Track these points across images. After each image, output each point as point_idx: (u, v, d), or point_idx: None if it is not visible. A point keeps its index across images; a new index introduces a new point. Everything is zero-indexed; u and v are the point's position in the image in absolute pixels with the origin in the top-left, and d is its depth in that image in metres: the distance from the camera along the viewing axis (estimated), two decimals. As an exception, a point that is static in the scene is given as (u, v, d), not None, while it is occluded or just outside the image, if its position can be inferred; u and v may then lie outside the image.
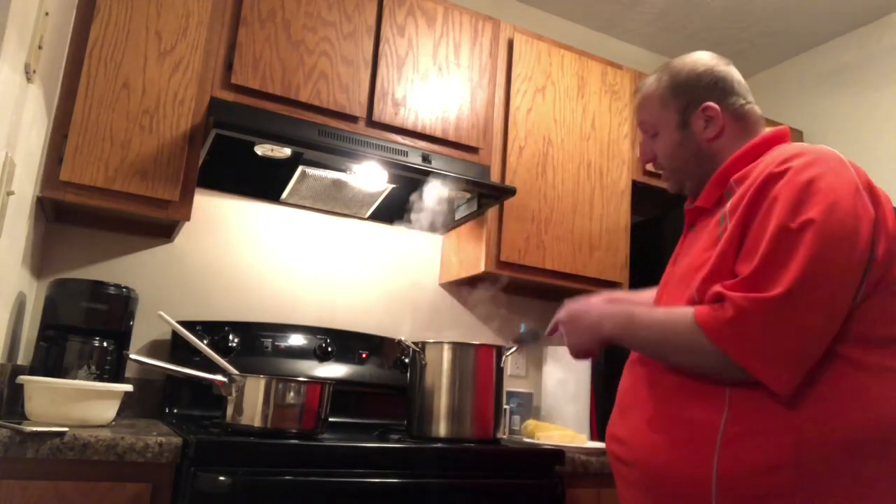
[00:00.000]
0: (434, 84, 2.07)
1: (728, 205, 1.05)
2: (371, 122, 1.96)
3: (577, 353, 1.24)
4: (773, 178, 0.99)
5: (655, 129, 1.23)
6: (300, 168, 1.86)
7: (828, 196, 0.94)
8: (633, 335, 1.10)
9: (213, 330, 1.87)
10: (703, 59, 1.22)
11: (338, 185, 1.97)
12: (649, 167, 1.29)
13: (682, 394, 1.03)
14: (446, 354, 1.66)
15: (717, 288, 0.96)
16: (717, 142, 1.17)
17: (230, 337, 1.87)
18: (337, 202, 2.12)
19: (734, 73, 1.21)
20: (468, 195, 2.04)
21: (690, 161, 1.19)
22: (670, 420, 1.03)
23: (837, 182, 0.96)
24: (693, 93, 1.18)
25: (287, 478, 1.30)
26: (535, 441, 1.85)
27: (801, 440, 0.91)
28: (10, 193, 1.28)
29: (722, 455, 0.95)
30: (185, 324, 1.74)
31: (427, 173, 1.86)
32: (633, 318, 1.09)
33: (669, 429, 1.02)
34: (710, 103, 1.17)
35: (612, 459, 1.16)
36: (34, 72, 1.35)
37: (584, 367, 2.15)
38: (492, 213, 2.12)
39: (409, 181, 1.93)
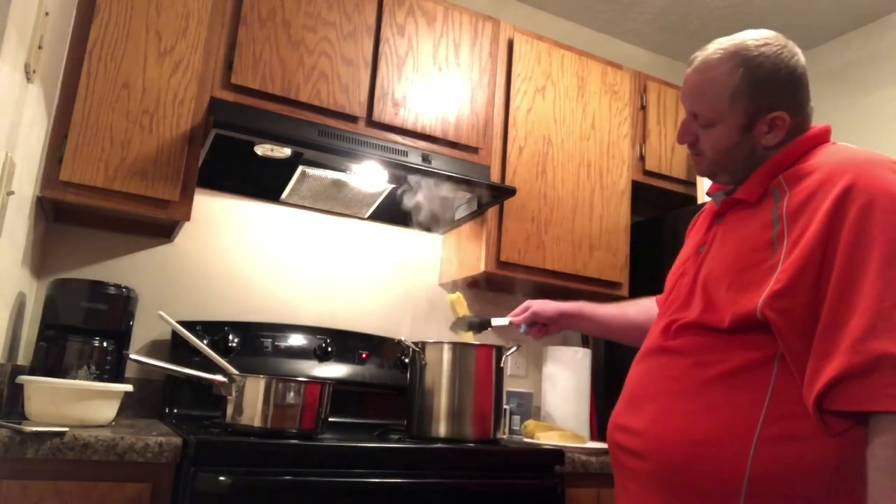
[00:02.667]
0: (434, 84, 2.07)
1: (784, 205, 0.99)
2: (371, 122, 1.96)
3: None
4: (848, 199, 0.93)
5: (711, 121, 1.12)
6: (300, 168, 1.86)
7: None
8: None
9: (213, 330, 1.87)
10: (785, 54, 1.09)
11: (338, 185, 1.97)
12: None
13: (716, 389, 1.00)
14: (446, 354, 1.66)
15: (889, 348, 0.85)
16: (774, 150, 1.09)
17: (230, 337, 1.87)
18: (337, 202, 2.13)
19: (806, 71, 1.11)
20: (468, 195, 2.04)
21: (740, 162, 1.11)
22: (700, 414, 0.99)
23: None
24: (769, 98, 1.08)
25: (287, 478, 1.30)
26: (535, 441, 1.85)
27: (843, 446, 0.89)
28: (10, 193, 1.28)
29: (757, 455, 0.93)
30: (185, 324, 1.74)
31: (427, 173, 1.86)
32: None
33: (699, 423, 0.99)
34: (783, 114, 1.07)
35: (616, 451, 1.12)
36: (34, 72, 1.35)
37: (585, 366, 2.15)
38: (492, 213, 2.12)
39: (408, 181, 1.93)
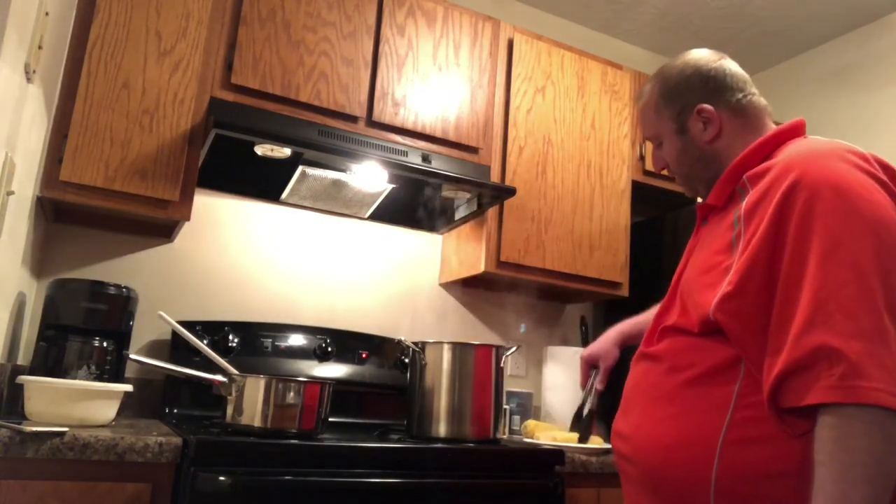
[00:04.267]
0: (434, 84, 2.07)
1: (743, 205, 1.01)
2: (371, 122, 1.96)
3: None
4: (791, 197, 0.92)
5: (658, 138, 1.22)
6: (300, 168, 1.86)
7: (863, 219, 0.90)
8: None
9: (213, 330, 1.87)
10: (691, 59, 1.19)
11: (338, 185, 1.97)
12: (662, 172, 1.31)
13: (687, 394, 1.01)
14: (446, 354, 1.66)
15: (828, 341, 0.83)
16: (719, 142, 1.14)
17: (230, 337, 1.87)
18: (337, 202, 2.13)
19: (726, 67, 1.17)
20: (468, 195, 2.04)
21: (695, 165, 1.17)
22: (672, 420, 1.02)
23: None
24: (684, 97, 1.16)
25: (287, 478, 1.30)
26: (535, 441, 1.85)
27: (806, 449, 0.87)
28: (10, 193, 1.28)
29: (722, 459, 0.93)
30: (185, 324, 1.74)
31: (427, 173, 1.86)
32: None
33: (670, 429, 1.01)
34: (703, 105, 1.14)
35: (616, 456, 1.15)
36: (34, 72, 1.35)
37: (584, 367, 2.15)
38: (492, 213, 2.12)
39: (408, 181, 1.93)
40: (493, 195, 2.00)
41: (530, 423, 1.97)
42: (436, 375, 1.65)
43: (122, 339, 1.66)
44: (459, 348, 1.67)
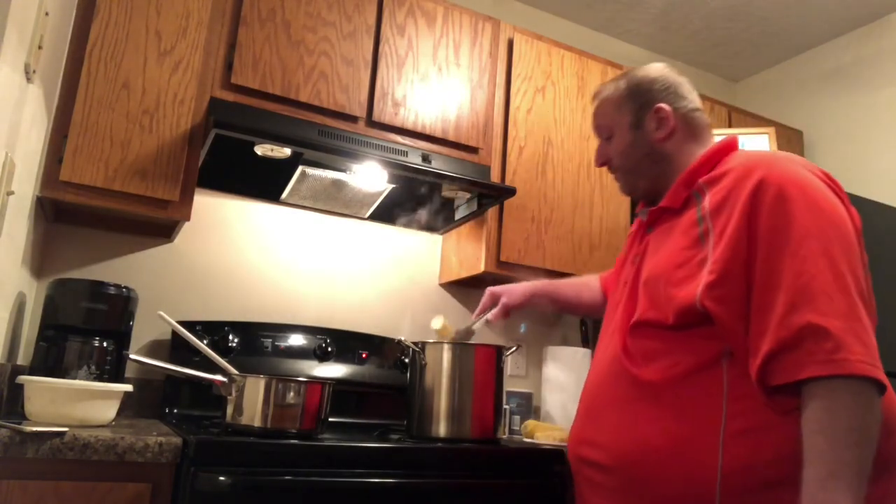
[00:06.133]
0: (434, 84, 2.07)
1: (706, 205, 1.08)
2: (371, 122, 1.96)
3: None
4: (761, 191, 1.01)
5: (610, 131, 1.28)
6: (300, 168, 1.86)
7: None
8: (849, 467, 0.87)
9: (213, 330, 1.87)
10: (658, 66, 1.30)
11: (338, 185, 1.97)
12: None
13: (674, 393, 1.03)
14: (446, 354, 1.65)
15: (813, 320, 0.90)
16: (669, 143, 1.22)
17: (230, 337, 1.87)
18: (337, 202, 2.13)
19: (687, 83, 1.28)
20: (468, 195, 2.04)
21: (643, 161, 1.24)
22: (662, 421, 1.02)
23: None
24: (647, 95, 1.24)
25: (287, 478, 1.30)
26: (535, 441, 1.85)
27: (800, 432, 0.92)
28: (10, 193, 1.28)
29: (726, 452, 0.96)
30: (185, 324, 1.74)
31: (427, 173, 1.86)
32: (838, 466, 0.87)
33: (663, 429, 1.02)
34: (663, 105, 1.22)
35: (579, 465, 1.15)
36: (34, 72, 1.35)
37: (585, 366, 2.15)
38: (492, 213, 2.12)
39: (408, 181, 1.93)
40: (493, 195, 2.00)
41: (530, 423, 1.97)
42: (436, 375, 1.65)
43: (122, 339, 1.66)
44: (459, 348, 1.67)
